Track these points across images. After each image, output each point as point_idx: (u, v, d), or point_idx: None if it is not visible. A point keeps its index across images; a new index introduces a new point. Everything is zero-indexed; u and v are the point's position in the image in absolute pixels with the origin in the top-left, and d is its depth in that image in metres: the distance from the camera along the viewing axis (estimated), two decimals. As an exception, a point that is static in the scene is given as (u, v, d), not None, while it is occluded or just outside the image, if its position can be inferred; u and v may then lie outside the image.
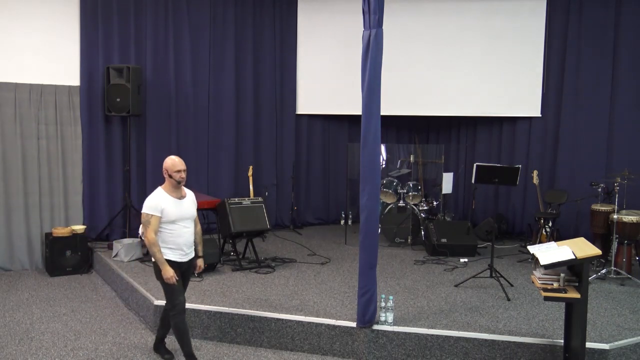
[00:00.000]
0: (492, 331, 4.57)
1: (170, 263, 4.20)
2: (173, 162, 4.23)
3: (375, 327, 4.61)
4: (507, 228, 8.44)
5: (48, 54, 7.14)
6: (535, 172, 7.73)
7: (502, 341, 4.44)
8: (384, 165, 8.63)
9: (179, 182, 4.23)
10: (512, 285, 5.85)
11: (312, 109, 9.01)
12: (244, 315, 4.91)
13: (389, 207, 7.82)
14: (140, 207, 7.20)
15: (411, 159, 8.54)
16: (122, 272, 6.19)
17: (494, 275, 5.79)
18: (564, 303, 4.29)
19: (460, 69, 8.38)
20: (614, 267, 6.19)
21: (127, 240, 6.90)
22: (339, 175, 9.36)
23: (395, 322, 4.68)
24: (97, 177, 7.51)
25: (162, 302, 5.16)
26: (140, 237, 7.27)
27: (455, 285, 5.87)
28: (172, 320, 4.28)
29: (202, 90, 8.20)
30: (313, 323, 4.77)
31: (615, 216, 6.17)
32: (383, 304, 4.65)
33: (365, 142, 4.47)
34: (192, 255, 4.43)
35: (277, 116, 8.90)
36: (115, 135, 7.63)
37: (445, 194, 8.16)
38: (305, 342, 4.78)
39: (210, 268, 6.19)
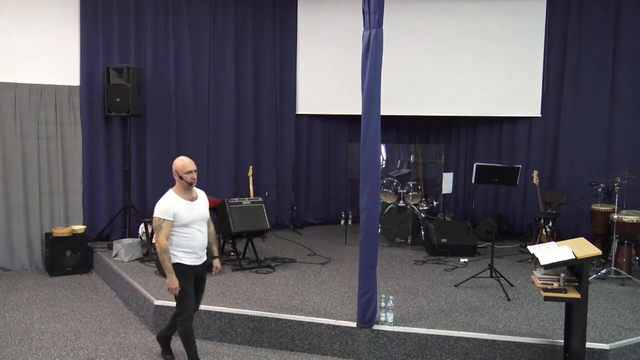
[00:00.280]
0: (492, 331, 4.57)
1: (185, 267, 4.09)
2: (183, 163, 4.11)
3: (375, 327, 4.61)
4: (507, 228, 8.44)
5: (48, 54, 7.14)
6: (535, 172, 7.73)
7: (502, 341, 4.44)
8: (384, 165, 8.63)
9: (190, 184, 4.10)
10: (512, 285, 5.85)
11: (312, 109, 9.01)
12: (244, 315, 4.91)
13: (389, 207, 7.82)
14: (140, 208, 7.16)
15: (411, 159, 8.54)
16: (122, 272, 6.19)
17: (494, 275, 5.79)
18: (564, 303, 4.28)
19: (460, 69, 8.38)
20: (614, 267, 6.19)
21: (127, 240, 6.90)
22: (339, 175, 9.36)
23: (395, 322, 4.68)
24: (97, 177, 7.51)
25: (163, 302, 5.17)
26: (140, 237, 7.28)
27: (455, 285, 5.87)
28: (179, 325, 4.18)
29: (202, 90, 8.20)
30: (313, 323, 4.77)
31: (615, 216, 6.17)
32: (383, 304, 4.65)
33: (365, 142, 4.47)
34: (205, 258, 4.30)
35: (277, 116, 8.90)
36: (115, 135, 7.63)
37: (445, 194, 8.16)
38: (305, 342, 4.78)
39: (209, 268, 6.17)
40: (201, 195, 4.29)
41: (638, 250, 6.37)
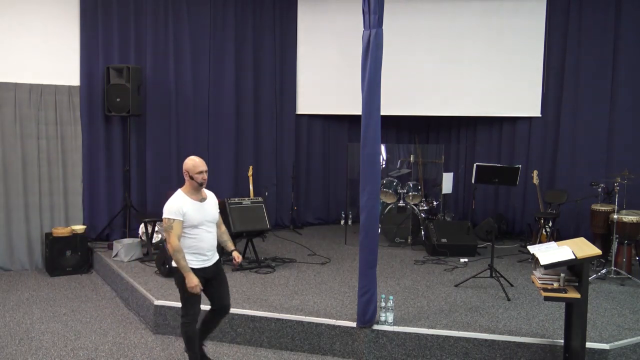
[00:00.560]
0: (492, 331, 4.57)
1: (194, 270, 3.97)
2: (194, 163, 4.04)
3: (375, 327, 4.61)
4: (507, 228, 8.44)
5: (48, 54, 7.14)
6: (535, 172, 7.73)
7: (502, 341, 4.44)
8: (384, 165, 8.63)
9: (200, 184, 4.03)
10: (512, 285, 5.85)
11: (312, 109, 9.01)
12: (244, 315, 4.91)
13: (389, 207, 7.82)
14: (140, 208, 7.16)
15: (411, 159, 8.54)
16: (122, 272, 6.19)
17: (494, 275, 5.79)
18: (564, 303, 4.28)
19: (460, 69, 8.37)
20: (614, 267, 6.18)
21: (127, 240, 6.89)
22: (339, 175, 9.36)
23: (395, 322, 4.68)
24: (97, 177, 7.51)
25: (163, 302, 5.17)
26: (141, 237, 7.28)
27: (455, 285, 5.87)
28: (182, 327, 4.10)
29: (202, 90, 8.20)
30: (313, 323, 4.77)
31: (615, 216, 6.17)
32: (383, 304, 4.65)
33: (365, 142, 4.47)
34: (216, 258, 4.19)
35: (277, 116, 8.90)
36: (115, 135, 7.63)
37: (445, 194, 8.16)
38: (305, 342, 4.78)
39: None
40: (210, 196, 4.21)
41: (638, 250, 6.37)
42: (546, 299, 3.95)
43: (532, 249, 4.20)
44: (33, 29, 7.04)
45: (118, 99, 7.21)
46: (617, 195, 6.15)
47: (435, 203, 8.22)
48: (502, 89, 8.29)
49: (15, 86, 6.95)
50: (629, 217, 6.18)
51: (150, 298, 5.29)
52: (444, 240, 7.12)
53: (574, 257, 3.88)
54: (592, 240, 6.42)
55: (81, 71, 7.32)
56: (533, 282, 4.21)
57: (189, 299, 4.02)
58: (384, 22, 4.41)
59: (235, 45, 8.38)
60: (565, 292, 3.94)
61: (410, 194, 7.97)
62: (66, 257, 6.93)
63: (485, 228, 7.95)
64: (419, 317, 4.87)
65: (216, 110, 8.34)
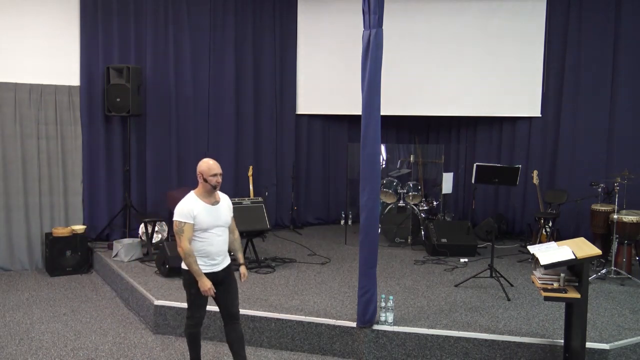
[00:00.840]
0: (492, 331, 4.57)
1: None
2: (209, 166, 3.91)
3: (375, 327, 4.61)
4: (507, 228, 8.44)
5: (48, 54, 7.14)
6: (535, 172, 7.73)
7: (502, 341, 4.44)
8: (384, 165, 8.63)
9: (214, 187, 3.91)
10: (512, 285, 5.85)
11: (312, 109, 9.01)
12: (244, 315, 4.89)
13: (389, 207, 7.82)
14: (140, 208, 7.15)
15: (411, 159, 8.54)
16: (122, 272, 6.19)
17: (494, 275, 5.79)
18: (564, 303, 4.28)
19: (460, 69, 8.37)
20: (614, 267, 6.18)
21: (127, 240, 6.89)
22: (339, 175, 9.35)
23: (395, 322, 4.68)
24: (97, 177, 7.51)
25: (163, 302, 5.17)
26: (141, 237, 7.28)
27: (455, 285, 5.87)
28: (186, 329, 4.07)
29: (202, 90, 8.20)
30: (313, 323, 4.77)
31: (615, 216, 6.17)
32: (383, 304, 4.65)
33: (365, 142, 4.47)
34: (227, 263, 4.05)
35: (277, 116, 8.90)
36: (115, 135, 7.63)
37: (445, 194, 8.16)
38: (305, 342, 4.78)
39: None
40: (224, 199, 4.08)
41: (638, 250, 6.37)
42: (546, 299, 3.95)
43: (532, 249, 4.20)
44: (33, 29, 7.04)
45: (118, 99, 7.20)
46: (617, 195, 6.15)
47: (435, 203, 8.22)
48: (502, 89, 8.29)
49: (15, 86, 6.95)
50: (629, 217, 6.18)
51: (150, 298, 5.29)
52: (444, 240, 7.12)
53: (574, 257, 3.88)
54: (592, 240, 6.42)
55: (81, 71, 7.32)
56: (533, 282, 4.21)
57: (196, 302, 3.97)
58: (384, 22, 4.41)
59: (235, 45, 8.38)
60: (565, 292, 3.94)
61: (410, 194, 7.97)
62: (66, 257, 6.93)
63: (485, 228, 7.95)
64: (419, 317, 4.87)
65: (216, 110, 8.34)
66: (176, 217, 3.86)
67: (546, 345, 4.38)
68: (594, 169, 7.63)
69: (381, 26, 4.39)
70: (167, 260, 5.94)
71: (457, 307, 5.19)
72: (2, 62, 6.90)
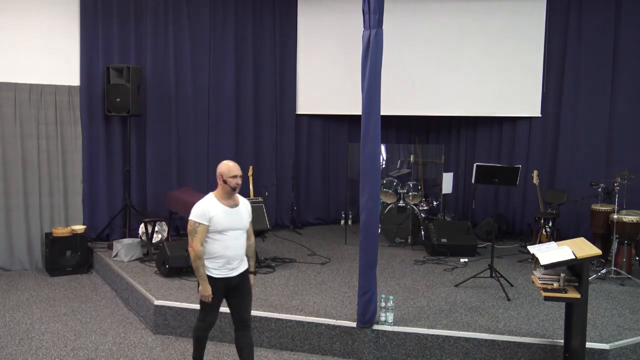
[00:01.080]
0: (492, 331, 4.57)
1: (214, 280, 3.83)
2: (229, 167, 3.87)
3: (375, 327, 4.61)
4: (507, 228, 8.44)
5: (48, 54, 7.14)
6: (535, 172, 7.73)
7: (502, 341, 4.44)
8: (384, 165, 8.63)
9: (234, 189, 3.84)
10: (512, 285, 5.85)
11: (312, 109, 9.01)
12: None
13: (389, 207, 7.82)
14: (140, 208, 7.15)
15: (411, 159, 8.53)
16: (122, 272, 6.19)
17: (494, 275, 5.79)
18: (564, 303, 4.28)
19: (460, 69, 8.37)
20: (614, 267, 6.18)
21: (127, 240, 6.89)
22: (339, 175, 9.36)
23: (395, 322, 4.68)
24: (97, 177, 7.51)
25: (163, 302, 5.17)
26: (141, 237, 7.28)
27: (455, 285, 5.87)
28: (195, 330, 4.04)
29: (202, 90, 8.20)
30: (313, 323, 4.77)
31: (615, 216, 6.17)
32: (383, 304, 4.65)
33: (365, 142, 4.47)
34: (244, 268, 3.97)
35: (277, 116, 8.90)
36: (115, 135, 7.63)
37: (445, 194, 8.16)
38: (305, 342, 4.78)
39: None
40: (243, 203, 4.00)
41: (638, 250, 6.37)
42: (546, 299, 3.95)
43: (532, 249, 4.20)
44: (33, 29, 7.04)
45: (118, 99, 7.20)
46: (617, 195, 6.15)
47: (435, 203, 8.22)
48: (502, 89, 8.29)
49: (15, 86, 6.95)
50: (629, 217, 6.18)
51: (150, 298, 5.29)
52: (444, 240, 7.12)
53: (574, 257, 3.88)
54: (592, 240, 6.43)
55: (81, 71, 7.32)
56: (533, 282, 4.21)
57: (208, 305, 3.91)
58: (384, 22, 4.41)
59: (235, 45, 8.38)
60: (565, 292, 3.94)
61: (410, 194, 7.97)
62: (66, 257, 6.93)
63: (485, 228, 7.96)
64: (419, 317, 4.87)
65: (216, 110, 8.33)
66: (192, 216, 3.80)
67: (546, 345, 4.38)
68: (594, 169, 7.63)
69: (381, 26, 4.39)
70: (167, 260, 5.94)
71: (457, 307, 5.19)
72: (2, 62, 6.90)
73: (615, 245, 6.25)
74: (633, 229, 6.17)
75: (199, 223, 3.76)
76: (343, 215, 9.25)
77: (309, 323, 4.78)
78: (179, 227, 8.01)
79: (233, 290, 3.93)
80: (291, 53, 8.89)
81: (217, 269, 3.84)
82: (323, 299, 5.38)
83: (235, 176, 3.85)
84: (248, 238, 4.04)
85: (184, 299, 5.23)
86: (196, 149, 8.20)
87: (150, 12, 7.69)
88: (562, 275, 4.02)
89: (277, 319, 4.84)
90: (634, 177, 6.36)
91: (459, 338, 4.50)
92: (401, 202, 7.82)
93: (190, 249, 3.80)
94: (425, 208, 8.02)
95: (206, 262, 3.82)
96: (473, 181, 6.26)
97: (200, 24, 8.10)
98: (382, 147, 8.54)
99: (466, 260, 6.92)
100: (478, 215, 8.65)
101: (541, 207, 7.62)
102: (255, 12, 8.56)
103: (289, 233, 8.50)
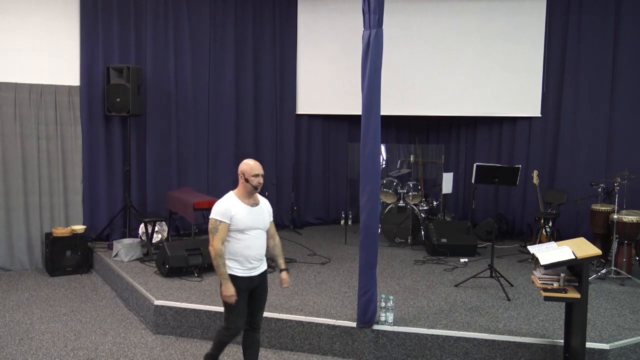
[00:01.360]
0: (492, 331, 4.57)
1: (237, 280, 3.77)
2: (250, 166, 3.82)
3: (375, 327, 4.61)
4: (507, 228, 8.44)
5: (48, 54, 7.14)
6: (535, 172, 7.73)
7: (502, 341, 4.44)
8: (384, 165, 8.63)
9: (255, 188, 3.81)
10: (512, 285, 5.85)
11: (312, 109, 9.01)
12: (244, 315, 4.91)
13: (389, 207, 7.82)
14: (140, 207, 7.14)
15: (411, 159, 8.54)
16: (122, 272, 6.19)
17: (494, 275, 5.79)
18: (564, 303, 4.29)
19: (460, 69, 8.38)
20: (614, 267, 6.18)
21: (127, 240, 6.89)
22: (339, 175, 9.36)
23: (395, 322, 4.68)
24: (97, 177, 7.51)
25: (163, 302, 5.17)
26: (141, 237, 7.28)
27: (455, 285, 5.87)
28: (220, 335, 3.90)
29: (202, 90, 8.20)
30: (313, 323, 4.77)
31: (615, 216, 6.17)
32: (383, 304, 4.65)
33: (365, 142, 4.47)
34: (264, 268, 3.96)
35: (277, 116, 8.90)
36: (115, 135, 7.63)
37: (445, 194, 8.16)
38: (305, 342, 4.78)
39: (210, 268, 6.19)
40: (263, 202, 3.97)
41: (638, 250, 6.37)
42: (546, 299, 3.95)
43: (532, 249, 4.20)
44: (33, 29, 7.04)
45: (118, 99, 7.20)
46: (617, 195, 6.15)
47: (435, 203, 8.22)
48: (502, 89, 8.29)
49: (15, 86, 6.95)
50: (629, 217, 6.18)
51: (150, 298, 5.29)
52: (444, 240, 7.12)
53: (574, 257, 3.88)
54: (592, 240, 6.43)
55: (81, 71, 7.32)
56: (533, 282, 4.21)
57: (233, 311, 3.80)
58: (384, 22, 4.42)
59: (235, 45, 8.38)
60: (565, 292, 3.94)
61: (410, 194, 7.97)
62: (66, 257, 6.94)
63: (485, 228, 7.96)
64: (419, 317, 4.87)
65: (216, 110, 8.34)
66: (213, 215, 3.76)
67: (546, 345, 4.38)
68: (594, 169, 7.63)
69: (381, 26, 4.39)
70: (167, 260, 5.94)
71: (457, 307, 5.19)
72: (2, 62, 6.90)
73: (615, 245, 6.24)
74: (633, 229, 6.17)
75: (220, 221, 3.73)
76: (343, 215, 9.25)
77: (309, 323, 4.78)
78: (179, 227, 8.02)
79: (253, 290, 3.91)
80: (291, 53, 8.89)
81: (239, 268, 3.80)
82: (323, 299, 5.38)
83: (257, 175, 3.82)
84: (272, 238, 4.05)
85: (184, 299, 5.24)
86: (196, 149, 8.21)
87: (150, 12, 7.69)
88: (562, 275, 4.02)
89: (277, 319, 4.84)
90: (634, 177, 6.37)
91: (459, 338, 4.50)
92: (401, 202, 7.82)
93: (210, 248, 3.75)
94: (425, 208, 8.02)
95: (228, 262, 3.78)
96: (473, 181, 6.26)
97: (200, 24, 8.10)
98: (382, 147, 8.54)
99: (466, 260, 6.92)
100: (478, 215, 8.65)
101: (541, 207, 7.62)
102: (255, 12, 8.56)
103: (289, 233, 8.50)
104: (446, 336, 4.51)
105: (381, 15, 4.39)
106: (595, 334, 4.54)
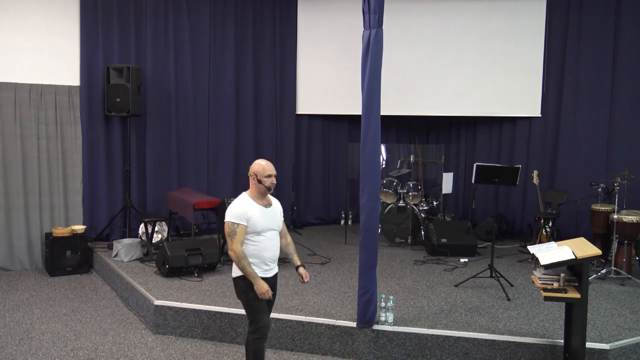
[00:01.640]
0: (492, 331, 4.57)
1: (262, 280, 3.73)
2: (263, 167, 3.77)
3: (375, 327, 4.61)
4: (507, 228, 8.44)
5: (48, 54, 7.14)
6: (535, 172, 7.73)
7: (502, 341, 4.44)
8: (384, 165, 8.63)
9: (269, 189, 3.78)
10: (512, 285, 5.84)
11: (312, 109, 9.01)
12: (244, 315, 4.87)
13: (389, 207, 7.82)
14: (140, 207, 7.14)
15: (411, 159, 8.54)
16: (122, 272, 6.19)
17: (494, 275, 5.79)
18: (564, 303, 4.28)
19: (460, 69, 8.38)
20: (614, 267, 6.18)
21: (127, 240, 6.89)
22: (339, 175, 9.36)
23: (395, 322, 4.68)
24: (97, 177, 7.51)
25: (163, 302, 5.17)
26: (141, 237, 7.28)
27: (455, 285, 5.87)
28: (251, 343, 3.76)
29: (202, 90, 8.20)
30: (313, 323, 4.77)
31: (615, 216, 6.17)
32: (383, 304, 4.65)
33: (365, 142, 4.47)
34: (276, 270, 3.91)
35: (277, 116, 8.90)
36: (115, 135, 7.63)
37: (445, 194, 8.16)
38: (305, 342, 4.78)
39: (210, 268, 6.20)
40: (275, 203, 3.95)
41: (638, 250, 6.37)
42: (546, 299, 3.95)
43: (532, 249, 4.20)
44: (33, 29, 7.04)
45: (118, 99, 7.20)
46: (617, 195, 6.15)
47: (435, 203, 8.22)
48: (502, 89, 8.30)
49: (15, 86, 6.95)
50: (629, 217, 6.18)
51: (150, 298, 5.29)
52: (444, 240, 7.12)
53: (574, 257, 3.88)
54: (592, 240, 6.42)
55: (81, 71, 7.32)
56: (533, 282, 4.21)
57: (257, 309, 3.74)
58: (384, 22, 4.42)
59: (235, 45, 8.38)
60: (565, 292, 3.94)
61: (410, 194, 7.97)
62: (66, 257, 6.94)
63: (486, 228, 7.96)
64: (419, 317, 4.87)
65: (216, 110, 8.34)
66: (229, 218, 3.70)
67: (546, 345, 4.38)
68: (594, 169, 7.63)
69: (381, 26, 4.39)
70: (167, 260, 5.94)
71: (457, 307, 5.19)
72: (2, 62, 6.90)
73: (615, 245, 6.24)
74: (633, 229, 6.17)
75: (238, 224, 3.67)
76: (343, 215, 9.25)
77: (309, 323, 4.77)
78: (179, 227, 8.02)
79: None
80: (291, 53, 8.89)
81: (257, 270, 3.74)
82: (323, 299, 5.38)
83: (270, 175, 3.78)
84: (285, 237, 4.03)
85: (184, 299, 5.24)
86: (196, 149, 8.21)
87: (150, 12, 7.69)
88: (562, 275, 4.02)
89: (277, 319, 4.83)
90: (634, 177, 6.37)
91: (459, 338, 4.50)
92: (401, 202, 7.82)
93: (230, 253, 3.68)
94: (425, 208, 8.02)
95: None
96: (473, 181, 6.26)
97: (200, 24, 8.10)
98: (382, 147, 8.54)
99: (466, 260, 6.92)
100: (478, 215, 8.65)
101: (541, 207, 7.62)
102: (255, 12, 8.56)
103: (289, 233, 8.48)
104: (446, 336, 4.51)
105: (381, 15, 4.39)
106: (595, 334, 4.54)
